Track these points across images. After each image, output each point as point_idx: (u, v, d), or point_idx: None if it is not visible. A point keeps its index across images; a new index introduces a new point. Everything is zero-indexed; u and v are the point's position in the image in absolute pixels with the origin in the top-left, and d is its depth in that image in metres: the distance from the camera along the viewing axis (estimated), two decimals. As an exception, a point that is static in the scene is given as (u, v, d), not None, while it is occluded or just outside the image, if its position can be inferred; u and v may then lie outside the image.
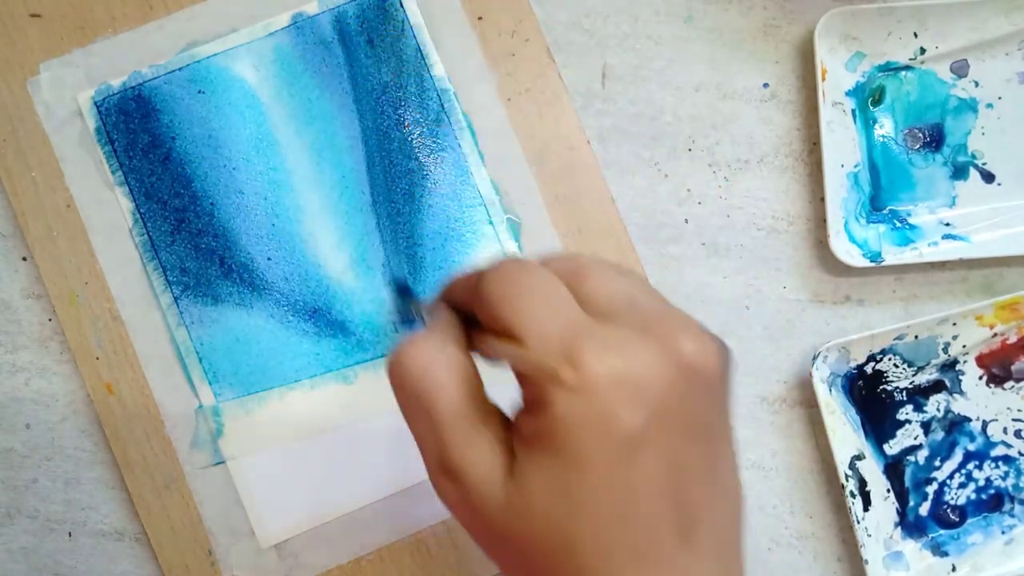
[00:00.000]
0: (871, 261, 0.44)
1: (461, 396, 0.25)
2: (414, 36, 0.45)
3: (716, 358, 0.24)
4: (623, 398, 0.23)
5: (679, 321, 0.25)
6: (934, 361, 0.46)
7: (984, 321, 0.45)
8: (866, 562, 0.43)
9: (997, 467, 0.46)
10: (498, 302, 0.25)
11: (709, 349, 0.24)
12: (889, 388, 0.46)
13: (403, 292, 0.44)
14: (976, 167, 0.46)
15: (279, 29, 0.45)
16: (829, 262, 0.46)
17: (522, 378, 0.24)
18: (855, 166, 0.46)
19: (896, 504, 0.45)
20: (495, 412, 0.26)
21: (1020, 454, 0.46)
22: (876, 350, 0.45)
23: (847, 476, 0.44)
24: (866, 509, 0.44)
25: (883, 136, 0.46)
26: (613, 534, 0.23)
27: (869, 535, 0.44)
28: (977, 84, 0.46)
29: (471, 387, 0.25)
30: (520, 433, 0.24)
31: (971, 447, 0.46)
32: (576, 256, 0.27)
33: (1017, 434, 0.46)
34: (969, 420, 0.46)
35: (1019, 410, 0.46)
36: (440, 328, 0.27)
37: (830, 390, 0.44)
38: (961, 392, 0.46)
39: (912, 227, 0.46)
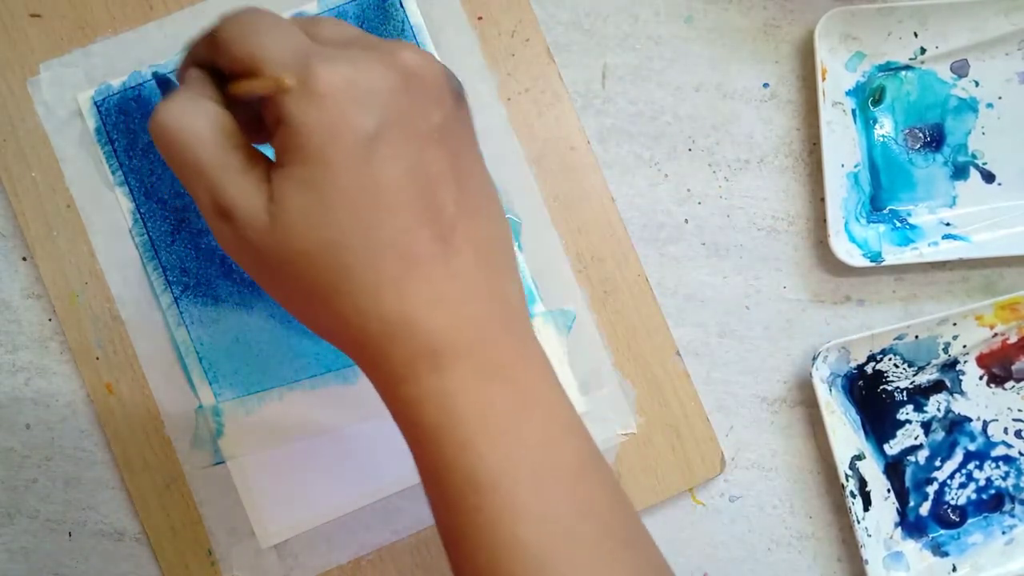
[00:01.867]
0: (871, 261, 0.44)
1: (220, 143, 0.26)
2: (414, 36, 0.45)
3: (437, 69, 0.27)
4: (354, 101, 0.25)
5: (400, 42, 0.27)
6: (934, 361, 0.46)
7: (984, 321, 0.45)
8: (866, 562, 0.43)
9: (997, 467, 0.46)
10: (234, 42, 0.26)
11: (430, 61, 0.27)
12: (889, 388, 0.46)
13: (162, 83, 0.42)
14: (976, 167, 0.46)
15: (279, 29, 0.45)
16: (829, 262, 0.46)
17: (267, 105, 0.26)
18: (855, 166, 0.46)
19: (896, 504, 0.45)
20: (258, 156, 0.27)
21: (1020, 454, 0.46)
22: (876, 350, 0.45)
23: (847, 476, 0.44)
24: (866, 509, 0.44)
25: (883, 136, 0.46)
26: (369, 231, 0.25)
27: (869, 535, 0.44)
28: (977, 84, 0.46)
29: (229, 134, 0.27)
30: (276, 160, 0.26)
31: (971, 447, 0.46)
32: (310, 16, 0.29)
33: (1018, 434, 0.46)
34: (969, 420, 0.46)
35: (1019, 410, 0.46)
36: (190, 85, 0.28)
37: (830, 390, 0.44)
38: (961, 392, 0.46)
39: (912, 227, 0.46)
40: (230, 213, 0.26)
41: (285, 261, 0.26)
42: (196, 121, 0.26)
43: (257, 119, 0.28)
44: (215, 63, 0.27)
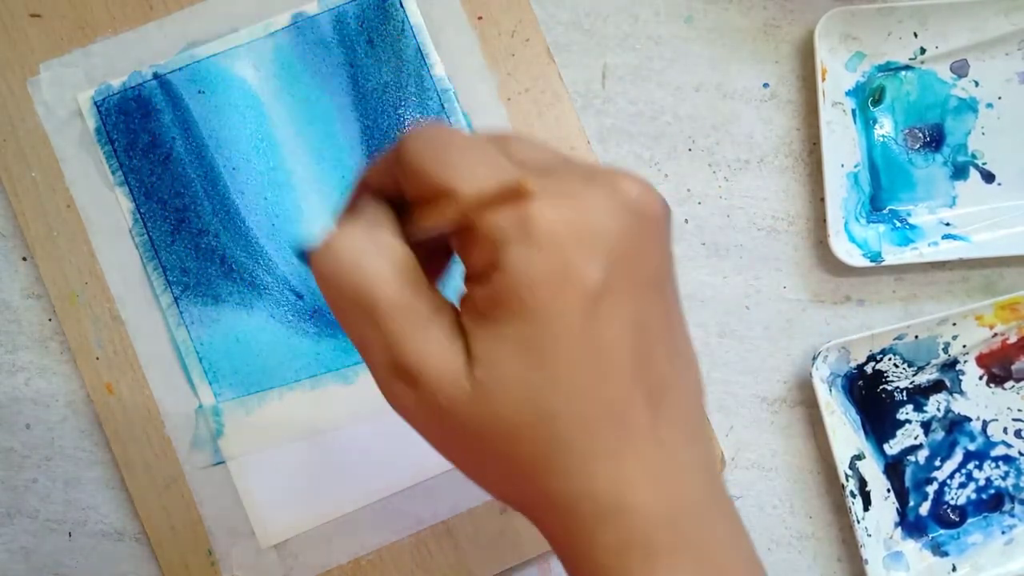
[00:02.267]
0: (871, 261, 0.44)
1: (403, 286, 0.22)
2: (414, 36, 0.45)
3: (660, 201, 0.23)
4: (582, 247, 0.21)
5: (617, 170, 0.23)
6: (934, 361, 0.46)
7: (984, 321, 0.45)
8: (866, 562, 0.43)
9: (997, 467, 0.46)
10: (425, 161, 0.22)
11: (652, 193, 0.23)
12: (889, 388, 0.46)
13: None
14: (976, 167, 0.46)
15: (279, 29, 0.45)
16: (829, 262, 0.46)
17: (465, 246, 0.22)
18: (855, 166, 0.46)
19: (896, 504, 0.45)
20: (441, 300, 0.23)
21: (1020, 454, 0.46)
22: (876, 350, 0.45)
23: (847, 476, 0.44)
24: (866, 509, 0.44)
25: (883, 136, 0.46)
26: (588, 398, 0.22)
27: (869, 535, 0.44)
28: (977, 84, 0.46)
29: (412, 275, 0.22)
30: (474, 308, 0.22)
31: (971, 447, 0.46)
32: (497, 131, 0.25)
33: (1017, 434, 0.46)
34: (969, 420, 0.46)
35: (1019, 410, 0.46)
36: (367, 215, 0.24)
37: (830, 390, 0.44)
38: (961, 392, 0.46)
39: (912, 227, 0.46)
40: (415, 374, 0.22)
41: (487, 432, 0.22)
42: (377, 261, 0.22)
43: (432, 259, 0.24)
44: (396, 191, 0.24)
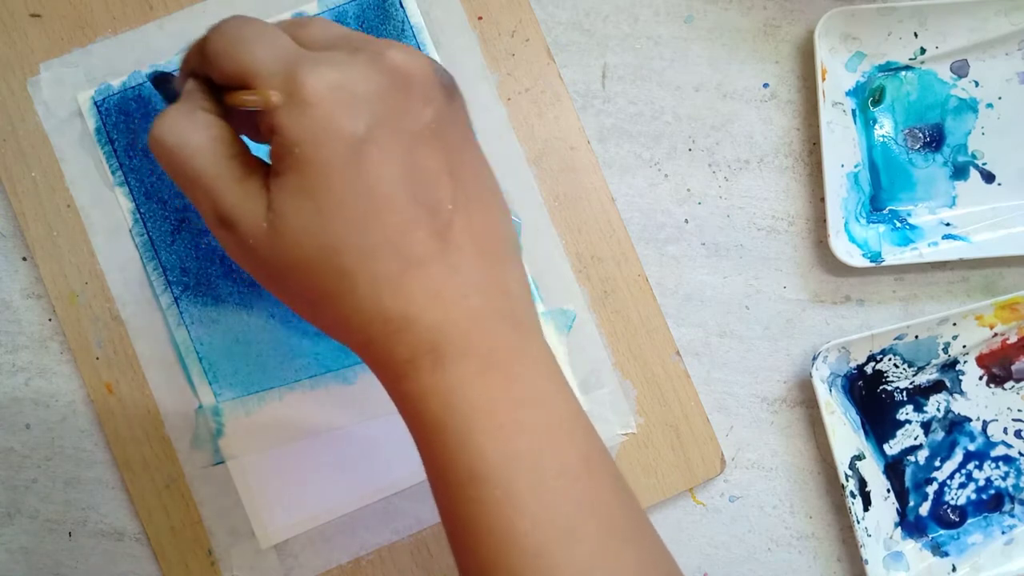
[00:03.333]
0: (871, 261, 0.44)
1: (217, 153, 0.27)
2: (414, 36, 0.45)
3: (425, 66, 0.27)
4: (342, 104, 0.25)
5: (388, 42, 0.27)
6: (934, 361, 0.46)
7: (984, 321, 0.45)
8: (866, 562, 0.43)
9: (997, 467, 0.46)
10: (223, 53, 0.26)
11: (417, 59, 0.27)
12: (889, 388, 0.46)
13: (159, 81, 0.42)
14: (976, 167, 0.46)
15: (279, 29, 0.45)
16: (829, 262, 0.46)
17: (260, 117, 0.26)
18: (855, 166, 0.46)
19: (896, 504, 0.45)
20: (256, 163, 0.27)
21: (1020, 454, 0.46)
22: (876, 350, 0.45)
23: (847, 476, 0.44)
24: (866, 509, 0.44)
25: (883, 136, 0.46)
26: (364, 233, 0.26)
27: (869, 535, 0.44)
28: (977, 84, 0.46)
29: (226, 144, 0.27)
30: (271, 169, 0.26)
31: (971, 447, 0.46)
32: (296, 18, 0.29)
33: (1017, 434, 0.46)
34: (969, 420, 0.46)
35: (1019, 410, 0.46)
36: (187, 97, 0.28)
37: (830, 390, 0.44)
38: (961, 392, 0.46)
39: (912, 227, 0.46)
40: (231, 221, 0.27)
41: (287, 267, 0.26)
42: (193, 133, 0.27)
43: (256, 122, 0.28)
44: (208, 74, 0.28)
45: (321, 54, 0.26)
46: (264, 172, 0.27)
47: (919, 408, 0.46)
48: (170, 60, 0.44)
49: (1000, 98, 0.46)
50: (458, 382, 0.26)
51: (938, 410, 0.46)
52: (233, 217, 0.27)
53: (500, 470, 0.26)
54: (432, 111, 0.27)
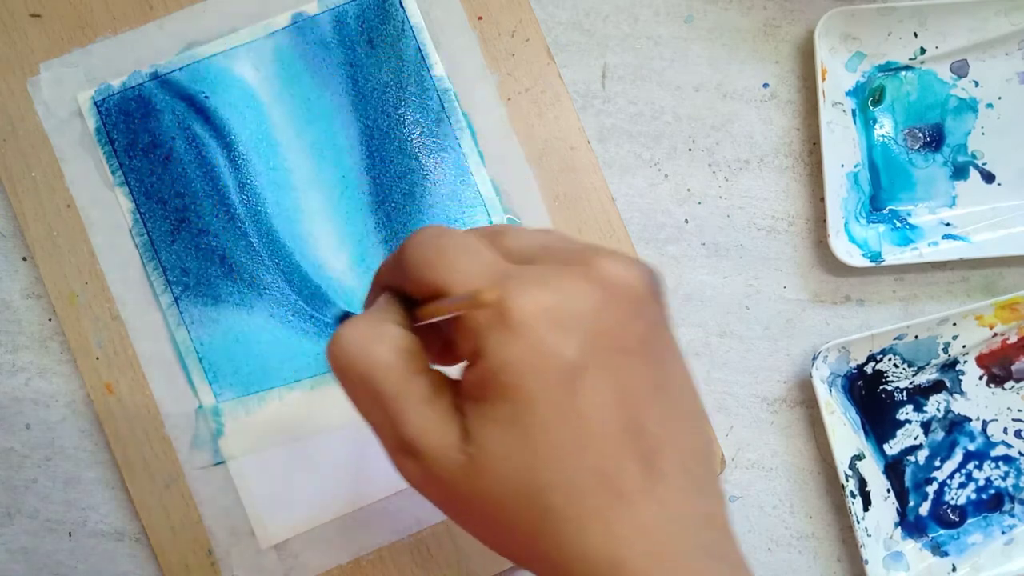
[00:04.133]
0: (871, 261, 0.44)
1: (405, 372, 0.24)
2: (414, 36, 0.45)
3: (639, 276, 0.24)
4: (555, 328, 0.23)
5: (597, 249, 0.25)
6: (934, 361, 0.46)
7: (984, 321, 0.45)
8: (866, 562, 0.43)
9: (997, 467, 0.46)
10: (421, 265, 0.25)
11: (631, 268, 0.24)
12: (889, 388, 0.46)
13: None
14: (976, 167, 0.46)
15: (279, 29, 0.45)
16: (829, 262, 0.46)
17: (457, 334, 0.24)
18: (855, 166, 0.46)
19: (896, 504, 0.45)
20: (445, 382, 0.25)
21: (1020, 454, 0.46)
22: (876, 350, 0.45)
23: (847, 476, 0.44)
24: (866, 509, 0.44)
25: (883, 136, 0.46)
26: (574, 467, 0.23)
27: (869, 535, 0.44)
28: (977, 84, 0.46)
29: (417, 360, 0.25)
30: (466, 390, 0.24)
31: (971, 447, 0.46)
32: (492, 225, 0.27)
33: (1017, 434, 0.46)
34: (969, 420, 0.46)
35: (1019, 410, 0.46)
36: (375, 309, 0.26)
37: (830, 390, 0.44)
38: (961, 392, 0.46)
39: (912, 227, 0.46)
40: (416, 450, 0.24)
41: (482, 501, 0.24)
42: (381, 351, 0.24)
43: (446, 343, 0.27)
44: (403, 287, 0.26)
45: (530, 270, 0.24)
46: (452, 392, 0.25)
47: (919, 408, 0.46)
48: (170, 60, 0.44)
49: (1000, 98, 0.46)
50: None
51: (938, 410, 0.46)
52: (421, 445, 0.24)
53: None
54: (644, 324, 0.24)
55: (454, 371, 0.26)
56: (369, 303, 0.28)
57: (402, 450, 0.25)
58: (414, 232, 0.26)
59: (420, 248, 0.25)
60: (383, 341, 0.25)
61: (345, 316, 0.41)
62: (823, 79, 0.44)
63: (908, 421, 0.46)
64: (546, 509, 0.23)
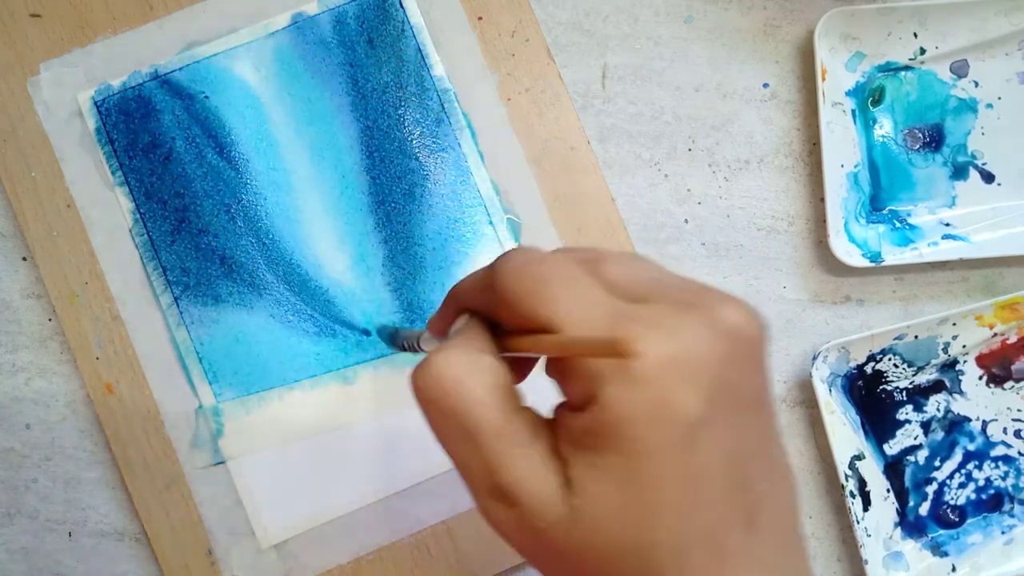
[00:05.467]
0: (871, 261, 0.44)
1: (502, 410, 0.23)
2: (414, 36, 0.45)
3: (758, 324, 0.23)
4: (680, 380, 0.21)
5: (715, 293, 0.23)
6: (934, 361, 0.46)
7: (984, 321, 0.45)
8: (866, 562, 0.43)
9: (997, 467, 0.46)
10: (524, 296, 0.23)
11: (752, 317, 0.23)
12: (889, 388, 0.46)
13: (384, 331, 0.43)
14: (976, 167, 0.46)
15: (279, 29, 0.45)
16: (829, 262, 0.46)
17: (563, 373, 0.23)
18: (855, 166, 0.46)
19: (896, 504, 0.45)
20: (542, 423, 0.24)
21: (1020, 454, 0.46)
22: (876, 350, 0.45)
23: (847, 476, 0.44)
24: (866, 509, 0.44)
25: (883, 136, 0.46)
26: (683, 527, 0.22)
27: (869, 535, 0.44)
28: (977, 84, 0.46)
29: (510, 398, 0.23)
30: (571, 435, 0.22)
31: (971, 447, 0.46)
32: (586, 247, 0.25)
33: (1017, 434, 0.46)
34: (969, 420, 0.46)
35: (1019, 410, 0.46)
36: (468, 336, 0.24)
37: (830, 390, 0.44)
38: (961, 392, 0.46)
39: (912, 227, 0.46)
40: (513, 497, 0.22)
41: (582, 557, 0.22)
42: (478, 386, 0.23)
43: (520, 364, 0.25)
44: (493, 313, 0.25)
45: (650, 313, 0.22)
46: (548, 434, 0.23)
47: (919, 408, 0.46)
48: (170, 60, 0.44)
49: (1000, 98, 0.46)
50: None
51: (938, 410, 0.46)
52: (519, 491, 0.22)
53: None
54: (762, 378, 0.23)
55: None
56: (443, 323, 0.27)
57: (495, 496, 0.23)
58: (506, 254, 0.24)
59: (518, 275, 0.23)
60: (481, 377, 0.23)
61: (395, 333, 0.39)
62: (823, 79, 0.44)
63: (908, 421, 0.46)
64: (649, 566, 0.22)
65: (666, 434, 0.21)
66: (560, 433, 0.23)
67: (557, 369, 0.23)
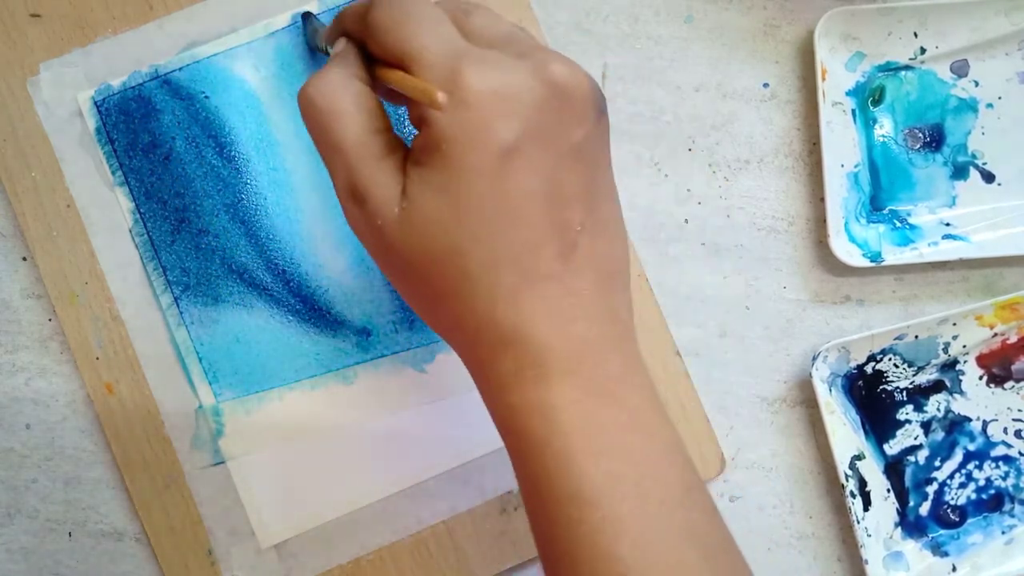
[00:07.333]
0: (871, 261, 0.44)
1: (365, 127, 0.27)
2: (414, 36, 0.45)
3: (585, 84, 0.26)
4: (498, 111, 0.25)
5: (552, 53, 0.27)
6: (934, 361, 0.46)
7: (984, 321, 0.45)
8: (866, 562, 0.43)
9: (997, 467, 0.46)
10: (388, 29, 0.26)
11: (578, 75, 0.26)
12: (889, 388, 0.46)
13: (306, 17, 0.43)
14: (976, 167, 0.46)
15: (279, 29, 0.45)
16: (829, 262, 0.46)
17: (412, 101, 0.26)
18: (855, 166, 0.46)
19: (896, 504, 0.45)
20: (398, 145, 0.28)
21: (1020, 454, 0.46)
22: (876, 350, 0.45)
23: (847, 476, 0.44)
24: (866, 509, 0.44)
25: (883, 136, 0.46)
26: (495, 240, 0.26)
27: (869, 535, 0.44)
28: (977, 84, 0.46)
29: (374, 119, 0.27)
30: (413, 154, 0.26)
31: (971, 447, 0.46)
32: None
33: (1017, 434, 0.46)
34: (969, 420, 0.46)
35: (1019, 410, 0.46)
36: (344, 62, 0.28)
37: (830, 390, 0.44)
38: (961, 392, 0.46)
39: (912, 227, 0.46)
40: (363, 197, 0.27)
41: (410, 256, 0.26)
42: (345, 100, 0.27)
43: (394, 93, 0.28)
44: (365, 42, 0.28)
45: (486, 53, 0.26)
46: (403, 153, 0.27)
47: (919, 408, 0.46)
48: (169, 60, 0.44)
49: (1000, 98, 0.46)
50: (564, 401, 0.26)
51: (938, 410, 0.46)
52: (367, 193, 0.27)
53: (603, 493, 0.26)
54: (583, 132, 0.26)
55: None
56: (330, 40, 0.30)
57: (351, 196, 0.27)
58: None
59: (388, 10, 0.27)
60: (350, 97, 0.27)
61: (316, 31, 0.41)
62: (823, 79, 0.44)
63: (908, 421, 0.46)
64: (464, 274, 0.26)
65: (480, 155, 0.25)
66: (410, 151, 0.27)
67: (408, 97, 0.26)
